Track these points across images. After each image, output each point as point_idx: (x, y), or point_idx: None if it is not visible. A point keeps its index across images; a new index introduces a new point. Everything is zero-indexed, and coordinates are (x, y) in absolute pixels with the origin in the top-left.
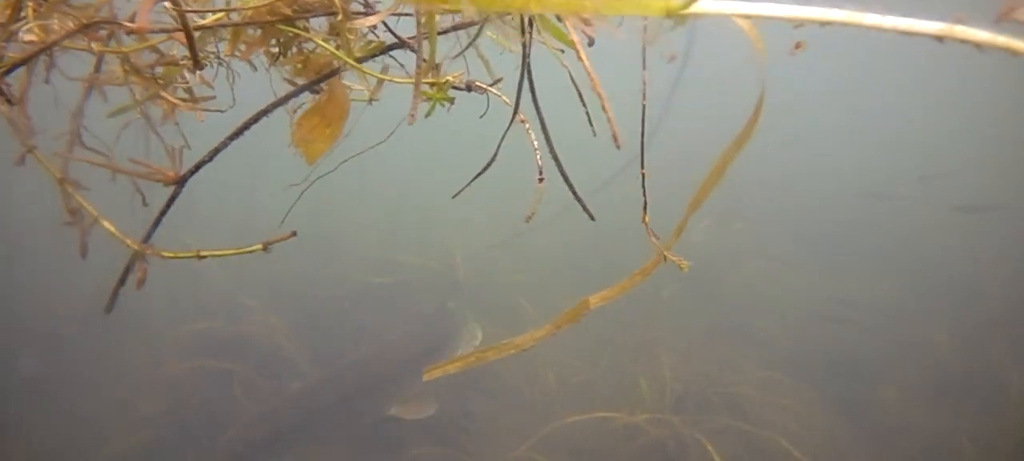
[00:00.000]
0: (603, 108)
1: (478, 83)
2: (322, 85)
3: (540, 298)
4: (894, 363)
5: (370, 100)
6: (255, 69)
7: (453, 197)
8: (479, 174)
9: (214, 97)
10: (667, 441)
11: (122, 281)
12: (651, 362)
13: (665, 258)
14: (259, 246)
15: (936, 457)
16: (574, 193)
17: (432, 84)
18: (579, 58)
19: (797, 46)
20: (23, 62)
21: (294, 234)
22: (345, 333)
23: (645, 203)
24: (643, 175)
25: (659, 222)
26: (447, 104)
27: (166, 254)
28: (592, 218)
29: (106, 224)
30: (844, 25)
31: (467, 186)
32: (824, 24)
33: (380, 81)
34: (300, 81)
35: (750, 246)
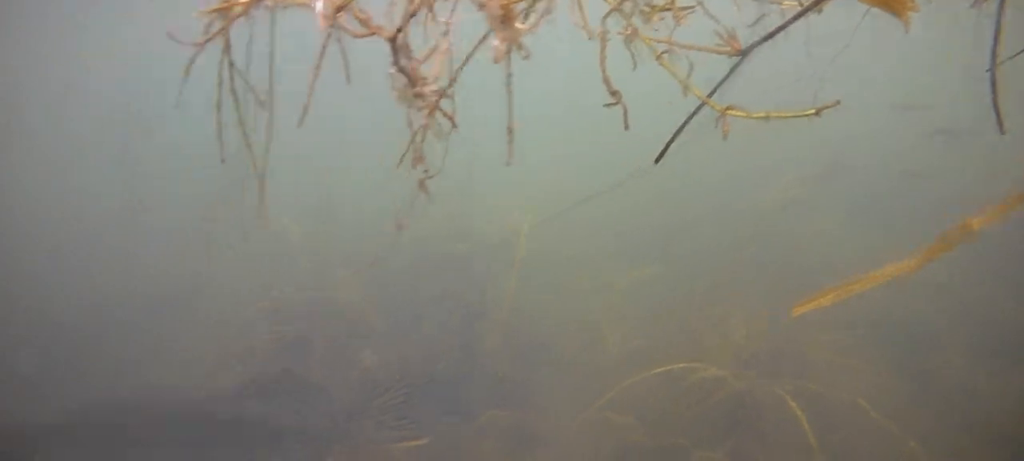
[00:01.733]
0: None
1: None
2: None
3: (597, 266)
4: (960, 325)
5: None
6: None
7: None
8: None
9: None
10: (743, 397)
11: (679, 131)
12: (720, 323)
13: None
14: (812, 111)
15: (1002, 418)
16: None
17: None
18: None
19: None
20: None
21: (838, 102)
22: (422, 300)
23: None
24: None
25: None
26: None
27: (742, 114)
28: (1003, 131)
29: (695, 91)
30: None
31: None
32: None
33: None
34: None
35: (818, 205)
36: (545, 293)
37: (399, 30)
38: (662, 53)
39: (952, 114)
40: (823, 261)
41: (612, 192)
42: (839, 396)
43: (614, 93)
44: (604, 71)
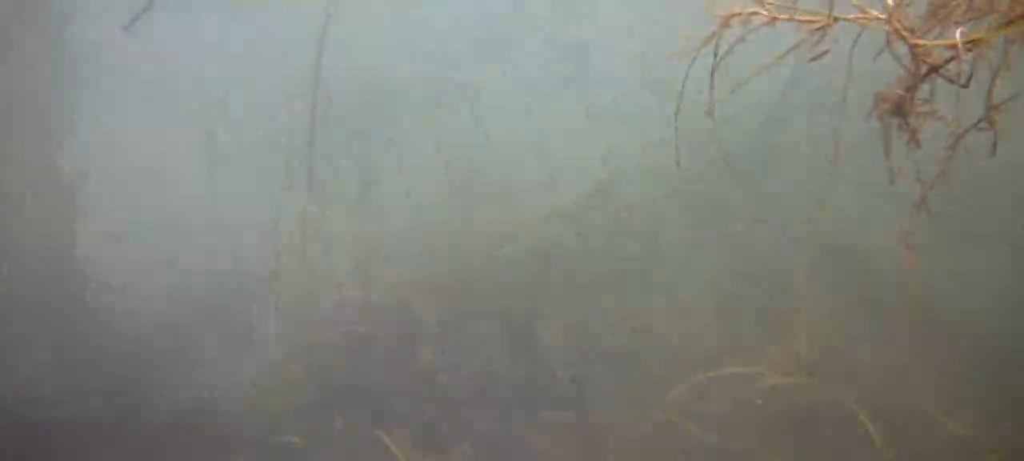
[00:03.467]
0: None
1: None
2: None
3: (658, 267)
4: None
5: None
6: None
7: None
8: None
9: None
10: (809, 402)
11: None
12: (782, 331)
13: None
14: None
15: None
16: None
17: None
18: None
19: None
20: None
21: None
22: (474, 305)
23: None
24: None
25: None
26: None
27: None
28: None
29: None
30: None
31: None
32: None
33: None
34: None
35: (886, 217)
36: (605, 293)
37: (946, 61)
38: None
39: None
40: (892, 266)
41: (675, 192)
42: (908, 404)
43: (992, 121)
44: (991, 99)
